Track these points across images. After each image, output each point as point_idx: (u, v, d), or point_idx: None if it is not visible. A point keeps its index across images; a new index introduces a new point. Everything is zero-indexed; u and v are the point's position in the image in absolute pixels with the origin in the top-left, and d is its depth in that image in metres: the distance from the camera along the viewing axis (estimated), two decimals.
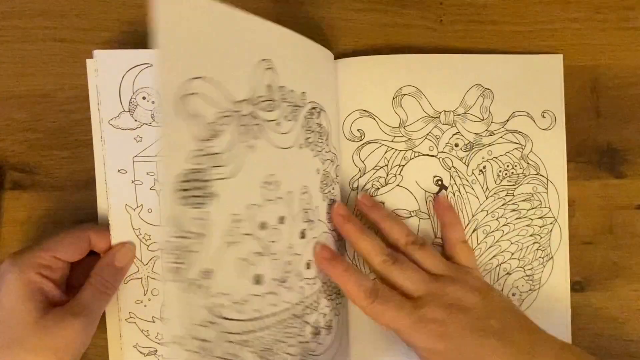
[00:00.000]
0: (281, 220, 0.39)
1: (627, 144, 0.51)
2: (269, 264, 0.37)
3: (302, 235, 0.41)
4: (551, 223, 0.51)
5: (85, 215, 0.49)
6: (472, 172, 0.50)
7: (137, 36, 0.49)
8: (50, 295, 0.41)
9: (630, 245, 0.51)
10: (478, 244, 0.51)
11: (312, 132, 0.43)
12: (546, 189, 0.51)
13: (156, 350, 0.46)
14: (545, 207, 0.51)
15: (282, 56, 0.38)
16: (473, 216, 0.50)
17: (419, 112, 0.49)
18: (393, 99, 0.49)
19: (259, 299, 0.36)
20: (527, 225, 0.51)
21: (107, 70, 0.44)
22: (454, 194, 0.50)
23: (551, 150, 0.50)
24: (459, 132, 0.50)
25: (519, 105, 0.50)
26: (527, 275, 0.51)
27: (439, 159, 0.50)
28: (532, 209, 0.51)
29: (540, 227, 0.51)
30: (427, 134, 0.50)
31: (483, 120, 0.50)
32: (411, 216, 0.50)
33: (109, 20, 0.49)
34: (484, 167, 0.50)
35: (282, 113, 0.39)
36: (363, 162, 0.49)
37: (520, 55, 0.50)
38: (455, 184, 0.50)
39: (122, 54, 0.44)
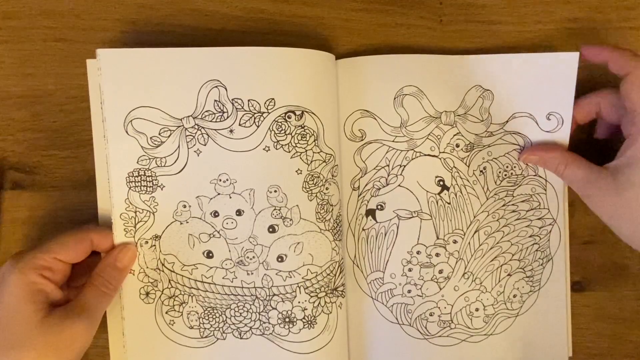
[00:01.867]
0: (239, 212, 0.46)
1: None
2: (223, 245, 0.46)
3: (273, 229, 0.46)
4: (550, 224, 0.50)
5: (85, 215, 0.49)
6: (473, 173, 0.50)
7: (137, 36, 0.49)
8: (52, 296, 0.41)
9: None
10: (480, 245, 0.50)
11: (288, 134, 0.45)
12: (545, 190, 0.50)
13: None
14: (544, 208, 0.50)
15: (234, 74, 0.44)
16: (475, 217, 0.50)
17: (420, 112, 0.49)
18: (394, 98, 0.48)
19: (209, 269, 0.46)
20: (526, 226, 0.50)
21: (110, 69, 0.44)
22: (455, 195, 0.50)
23: None
24: (460, 132, 0.49)
25: (521, 107, 0.49)
26: (527, 277, 0.51)
27: (440, 159, 0.50)
28: (531, 210, 0.50)
29: (540, 228, 0.50)
30: (429, 134, 0.49)
31: (482, 121, 0.49)
32: (413, 217, 0.49)
33: (109, 20, 0.49)
34: (484, 168, 0.50)
35: (237, 121, 0.45)
36: (364, 162, 0.49)
37: (529, 54, 0.49)
38: (457, 184, 0.50)
39: (125, 53, 0.44)
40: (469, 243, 0.50)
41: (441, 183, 0.50)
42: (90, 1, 0.49)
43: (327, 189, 0.47)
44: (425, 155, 0.49)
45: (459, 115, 0.49)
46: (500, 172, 0.50)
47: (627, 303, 0.52)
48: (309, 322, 0.47)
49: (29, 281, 0.39)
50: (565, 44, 0.51)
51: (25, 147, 0.49)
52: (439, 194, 0.50)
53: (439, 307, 0.50)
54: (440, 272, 0.50)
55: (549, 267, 0.51)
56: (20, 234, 0.49)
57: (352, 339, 0.50)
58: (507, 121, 0.50)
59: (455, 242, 0.50)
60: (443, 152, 0.50)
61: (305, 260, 0.47)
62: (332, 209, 0.48)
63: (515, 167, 0.50)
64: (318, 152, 0.46)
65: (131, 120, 0.44)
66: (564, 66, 0.48)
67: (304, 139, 0.46)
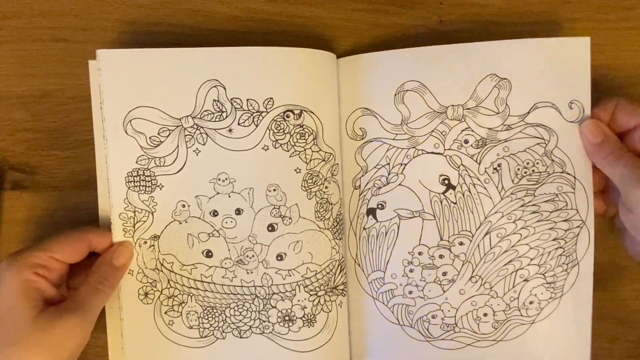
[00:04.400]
0: (238, 211, 0.46)
1: None
2: (222, 245, 0.46)
3: (272, 228, 0.46)
4: (578, 226, 0.46)
5: (85, 215, 0.49)
6: (485, 171, 0.47)
7: (137, 36, 0.49)
8: (46, 294, 0.41)
9: None
10: (491, 248, 0.47)
11: (286, 133, 0.45)
12: (573, 188, 0.46)
13: None
14: (571, 209, 0.46)
15: (233, 74, 0.45)
16: (485, 218, 0.47)
17: (423, 107, 0.47)
18: (395, 95, 0.47)
19: (208, 268, 0.46)
20: (549, 229, 0.46)
21: (110, 70, 0.44)
22: (463, 194, 0.47)
23: (579, 145, 0.45)
24: (469, 127, 0.46)
25: (542, 96, 0.45)
26: (547, 283, 0.47)
27: (445, 156, 0.47)
28: (557, 210, 0.46)
29: (566, 230, 0.46)
30: (432, 131, 0.47)
31: (498, 113, 0.46)
32: (414, 216, 0.48)
33: (109, 20, 0.49)
34: (499, 165, 0.46)
35: (236, 120, 0.45)
36: (365, 160, 0.48)
37: (542, 39, 0.46)
38: (465, 183, 0.47)
39: (125, 54, 0.44)
40: (478, 246, 0.47)
41: (446, 182, 0.47)
42: (90, 1, 0.49)
43: (326, 187, 0.47)
44: (428, 153, 0.47)
45: (468, 109, 0.46)
46: (519, 170, 0.46)
47: (627, 303, 0.51)
48: (309, 321, 0.47)
49: (24, 279, 0.40)
50: None
51: (25, 147, 0.49)
52: (443, 193, 0.47)
53: (442, 310, 0.48)
54: (444, 274, 0.48)
55: (574, 273, 0.47)
56: (20, 234, 0.49)
57: (353, 337, 0.49)
58: (528, 112, 0.46)
59: (461, 244, 0.47)
60: (449, 149, 0.47)
61: (304, 259, 0.47)
62: (332, 208, 0.47)
63: (538, 163, 0.46)
64: (317, 151, 0.46)
65: (130, 120, 0.44)
66: (576, 52, 0.45)
67: (303, 137, 0.46)
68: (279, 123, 0.45)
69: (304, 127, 0.46)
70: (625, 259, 0.51)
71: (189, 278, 0.46)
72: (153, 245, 0.46)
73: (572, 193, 0.46)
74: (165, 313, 0.46)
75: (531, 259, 0.47)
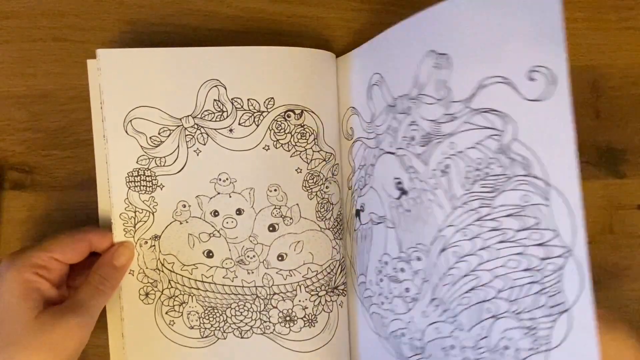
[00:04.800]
0: (239, 211, 0.46)
1: (627, 144, 0.51)
2: (223, 245, 0.46)
3: (273, 228, 0.46)
4: (561, 256, 0.32)
5: (85, 215, 0.49)
6: (433, 173, 0.37)
7: (137, 36, 0.49)
8: (47, 295, 0.41)
9: (630, 245, 0.51)
10: (449, 269, 0.38)
11: (287, 133, 0.46)
12: (546, 198, 0.32)
13: None
14: (546, 229, 0.32)
15: (233, 73, 0.44)
16: (439, 231, 0.38)
17: (381, 102, 0.42)
18: (367, 92, 0.45)
19: (209, 268, 0.46)
20: (517, 254, 0.33)
21: (110, 69, 0.44)
22: (415, 201, 0.39)
23: (550, 133, 0.31)
24: (415, 121, 0.38)
25: (490, 69, 0.33)
26: (525, 328, 0.34)
27: (398, 156, 0.40)
28: (524, 230, 0.33)
29: (542, 260, 0.33)
30: (388, 128, 0.41)
31: (440, 100, 0.36)
32: (380, 222, 0.44)
33: (109, 20, 0.49)
34: (447, 167, 0.36)
35: (237, 120, 0.45)
36: (353, 160, 0.48)
37: None
38: (416, 188, 0.39)
39: (125, 54, 0.44)
40: (435, 264, 0.38)
41: (400, 186, 0.40)
42: (90, 1, 0.49)
43: (327, 187, 0.47)
44: (386, 152, 0.42)
45: (412, 99, 0.37)
46: (469, 172, 0.35)
47: (627, 303, 0.52)
48: (310, 321, 0.47)
49: (24, 279, 0.40)
50: None
51: (25, 147, 0.49)
52: (398, 198, 0.41)
53: (409, 329, 0.42)
54: (407, 290, 0.42)
55: (564, 322, 0.32)
56: (20, 233, 0.49)
57: (352, 338, 0.49)
58: (473, 94, 0.34)
59: (419, 259, 0.40)
60: (399, 148, 0.39)
61: (305, 259, 0.47)
62: (333, 208, 0.48)
63: (492, 163, 0.34)
64: (318, 151, 0.46)
65: (131, 120, 0.44)
66: None
67: (304, 137, 0.46)
68: (279, 123, 0.45)
69: (305, 127, 0.46)
70: (625, 259, 0.51)
71: (189, 278, 0.46)
72: (154, 246, 0.46)
73: (545, 206, 0.32)
74: (166, 313, 0.46)
75: (498, 291, 0.35)
